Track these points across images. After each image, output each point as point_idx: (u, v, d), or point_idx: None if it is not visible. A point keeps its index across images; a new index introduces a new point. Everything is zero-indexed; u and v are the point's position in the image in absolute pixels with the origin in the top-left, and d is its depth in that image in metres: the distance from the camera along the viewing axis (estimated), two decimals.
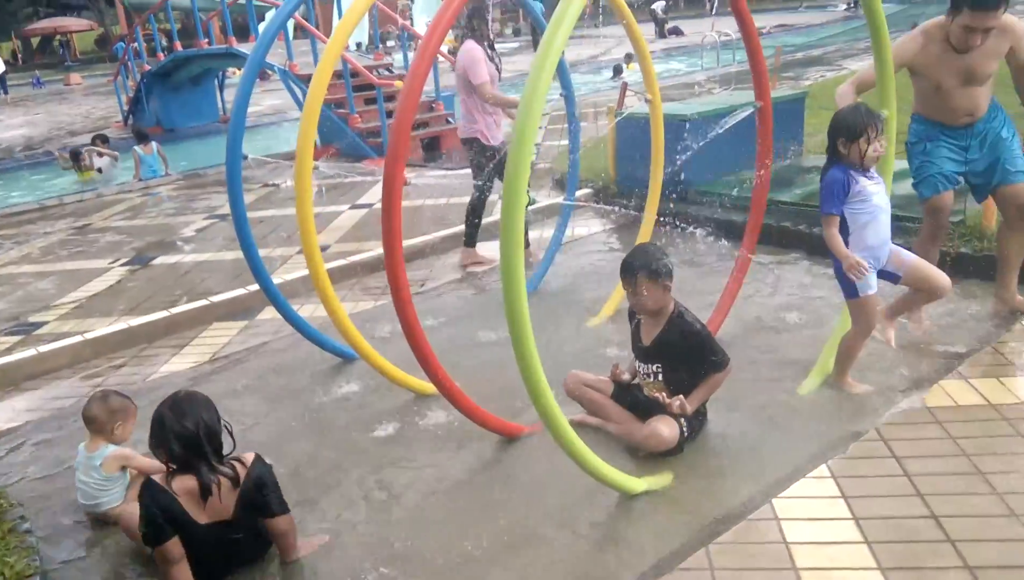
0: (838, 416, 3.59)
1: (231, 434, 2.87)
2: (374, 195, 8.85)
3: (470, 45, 5.56)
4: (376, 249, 6.63)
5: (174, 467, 2.70)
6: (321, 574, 2.92)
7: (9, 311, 6.02)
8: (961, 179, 4.24)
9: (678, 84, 15.57)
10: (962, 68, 3.96)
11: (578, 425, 3.62)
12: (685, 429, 3.41)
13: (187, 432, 2.66)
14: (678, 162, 5.41)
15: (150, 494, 2.67)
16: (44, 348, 5.07)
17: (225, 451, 2.80)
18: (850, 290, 3.64)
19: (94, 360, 5.12)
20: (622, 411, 3.64)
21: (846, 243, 3.56)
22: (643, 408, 3.54)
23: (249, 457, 2.83)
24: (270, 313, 5.55)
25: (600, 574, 2.78)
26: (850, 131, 3.47)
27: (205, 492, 2.66)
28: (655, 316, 3.50)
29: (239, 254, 6.84)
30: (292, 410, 4.16)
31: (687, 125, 6.39)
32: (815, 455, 3.28)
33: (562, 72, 5.35)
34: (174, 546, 2.67)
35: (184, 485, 2.68)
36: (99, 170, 11.97)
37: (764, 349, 4.34)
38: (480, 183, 5.83)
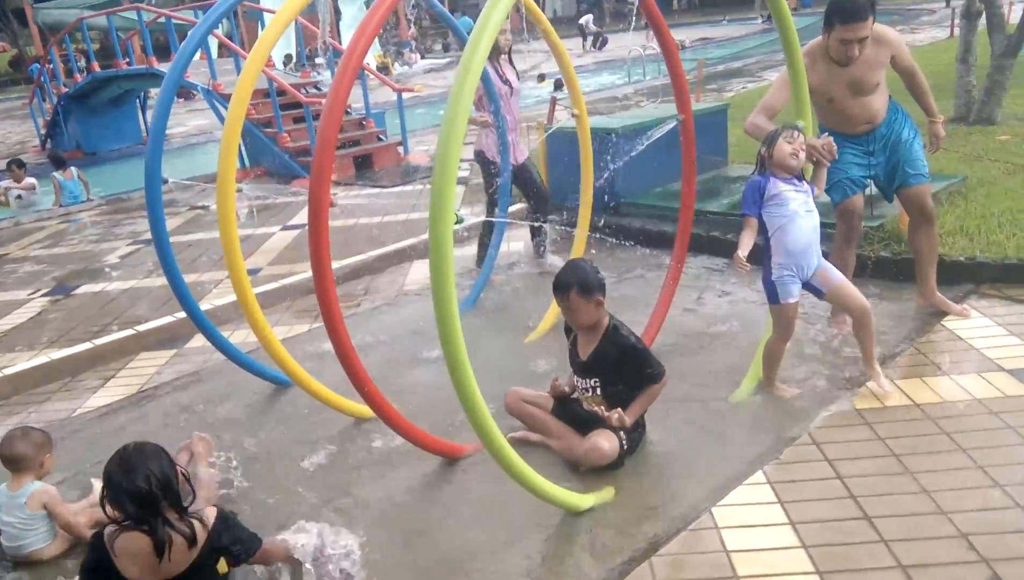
0: (771, 422, 3.66)
1: (188, 482, 2.72)
2: (305, 216, 8.69)
3: None
4: (309, 272, 6.52)
5: (126, 523, 2.52)
6: None
7: None
8: (869, 182, 4.42)
9: (606, 97, 15.81)
10: (847, 80, 4.17)
11: (519, 442, 3.62)
12: (625, 442, 3.43)
13: (139, 490, 2.46)
14: (605, 176, 5.49)
15: (90, 546, 2.62)
16: None
17: (187, 502, 2.63)
18: (772, 296, 3.77)
19: (14, 397, 4.89)
20: (562, 426, 3.64)
21: (767, 247, 3.73)
22: (583, 422, 3.55)
23: (211, 514, 2.64)
24: (201, 340, 5.39)
25: None
26: (768, 138, 3.72)
27: (159, 550, 2.46)
28: (590, 331, 3.53)
29: (164, 280, 6.69)
30: (227, 441, 4.03)
31: (613, 138, 6.48)
32: (751, 461, 3.34)
33: (487, 87, 5.36)
34: None
35: (130, 542, 2.50)
36: (19, 197, 11.47)
37: (698, 358, 4.41)
38: (488, 199, 5.86)
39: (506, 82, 5.62)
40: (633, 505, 3.19)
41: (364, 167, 11.29)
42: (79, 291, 6.79)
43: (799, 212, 3.67)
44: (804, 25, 4.72)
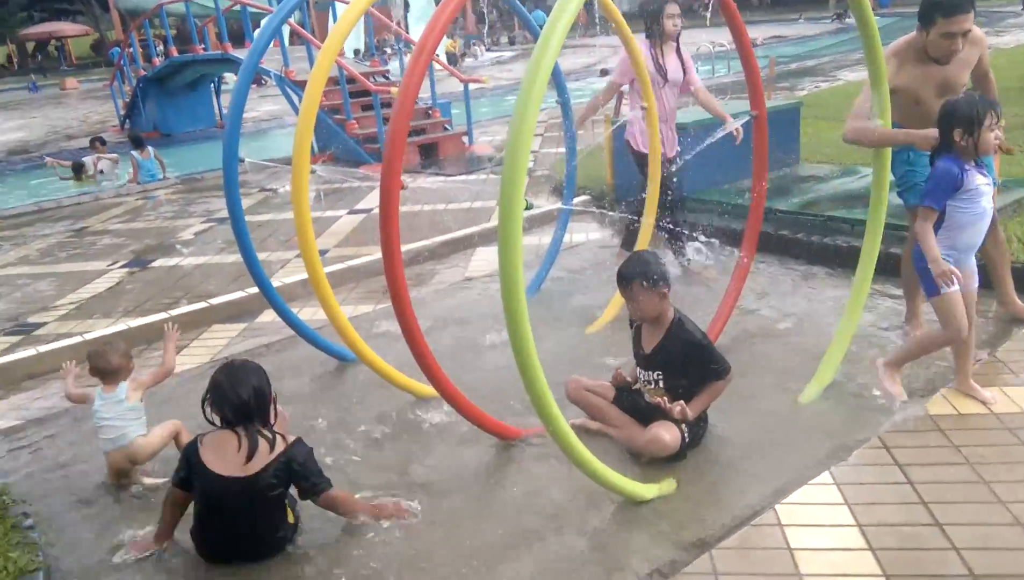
0: (840, 424, 3.59)
1: (275, 404, 3.03)
2: (372, 201, 8.85)
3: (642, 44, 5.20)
4: (374, 253, 6.63)
5: (217, 425, 2.92)
6: (322, 570, 2.91)
7: (8, 312, 5.99)
8: None
9: None
10: (940, 81, 4.01)
11: (578, 429, 3.61)
12: (687, 435, 3.41)
13: (240, 399, 2.86)
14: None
15: (188, 444, 2.98)
16: (44, 348, 5.06)
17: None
18: (931, 288, 3.45)
19: None
20: (623, 416, 3.63)
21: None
22: (644, 414, 3.53)
23: (292, 438, 2.99)
24: (269, 316, 5.53)
25: (599, 577, 2.76)
26: (969, 120, 3.29)
27: (250, 451, 2.82)
28: (654, 324, 3.51)
29: (238, 257, 6.86)
30: (292, 413, 4.12)
31: (687, 132, 6.40)
32: (818, 462, 3.28)
33: (558, 80, 5.36)
34: (177, 494, 2.97)
35: (219, 439, 2.89)
36: (101, 172, 11.96)
37: (764, 357, 4.34)
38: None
39: (661, 71, 5.26)
40: (694, 498, 3.17)
41: (429, 155, 11.41)
42: (155, 264, 7.04)
43: (988, 209, 3.43)
44: (882, 25, 4.57)
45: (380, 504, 3.17)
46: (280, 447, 2.89)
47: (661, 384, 3.52)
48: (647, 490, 3.13)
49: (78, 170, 12.17)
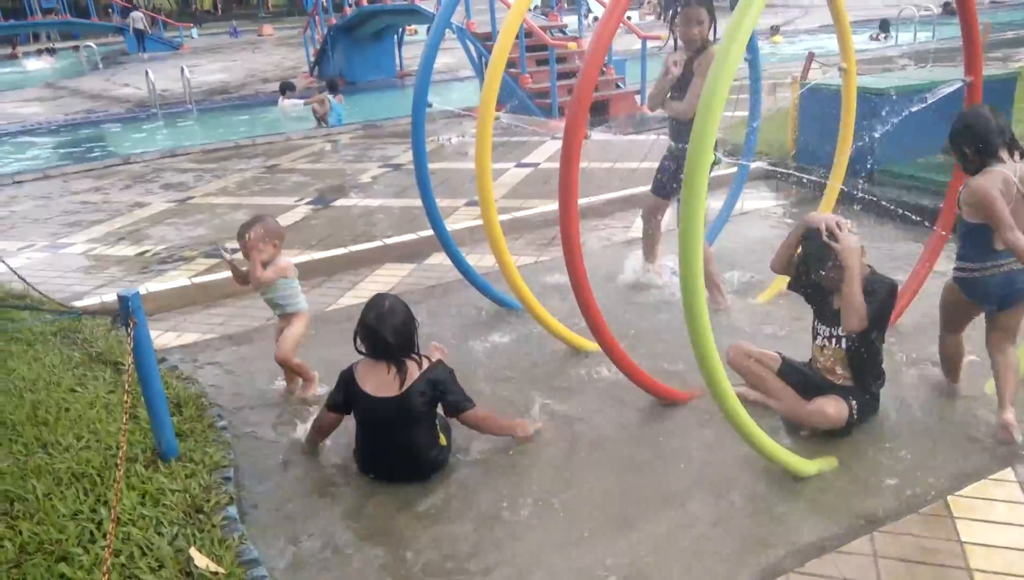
0: None
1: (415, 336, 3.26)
2: (539, 155, 8.95)
3: None
4: (539, 208, 6.74)
5: (367, 354, 3.21)
6: (474, 498, 3.07)
7: (208, 236, 6.62)
8: None
9: (866, 59, 14.57)
10: None
11: (739, 398, 3.55)
12: (855, 411, 3.27)
13: (386, 340, 3.12)
14: (866, 139, 5.09)
15: (344, 371, 3.26)
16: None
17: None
18: None
19: None
20: (786, 387, 3.53)
21: None
22: (810, 389, 3.42)
23: (433, 349, 3.34)
24: (437, 259, 5.79)
25: (753, 544, 2.74)
26: None
27: (402, 376, 3.12)
28: None
29: (408, 202, 7.21)
30: (457, 350, 4.32)
31: (888, 99, 5.99)
32: (1001, 457, 3.06)
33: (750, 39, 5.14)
34: (329, 417, 3.29)
35: (371, 367, 3.18)
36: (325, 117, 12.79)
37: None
38: None
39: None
40: (859, 478, 3.05)
41: (599, 113, 11.33)
42: (336, 204, 7.50)
43: None
44: None
45: (516, 422, 3.44)
46: (425, 366, 3.19)
47: (843, 344, 3.36)
48: (808, 465, 3.06)
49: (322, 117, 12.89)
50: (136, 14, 28.50)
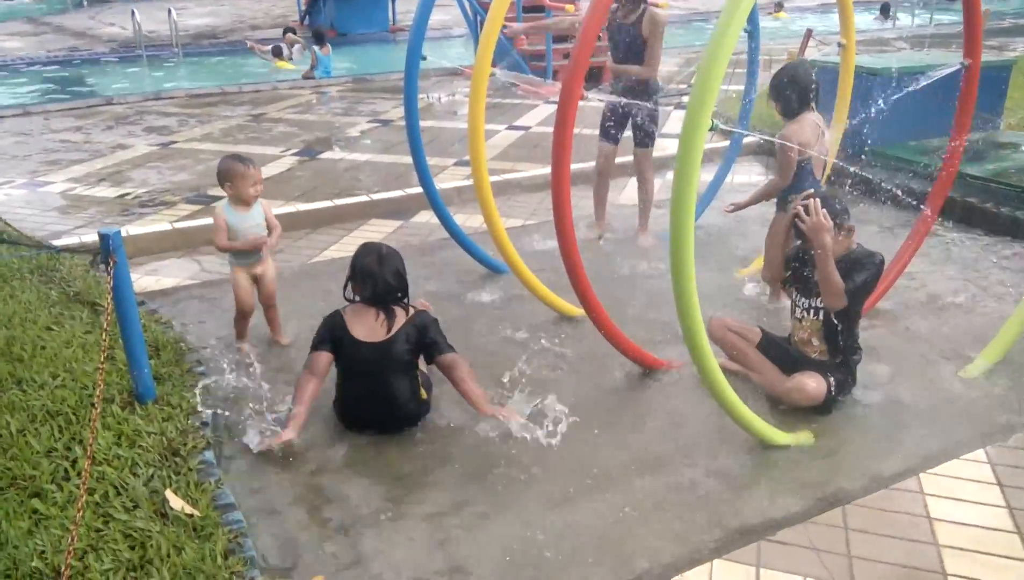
0: (1006, 403, 3.37)
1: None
2: (531, 119, 8.87)
3: None
4: (529, 171, 6.69)
5: (356, 300, 3.24)
6: (455, 457, 3.07)
7: (191, 182, 6.51)
8: None
9: (863, 40, 14.50)
10: None
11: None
12: (833, 388, 3.30)
13: (383, 282, 3.15)
14: (859, 119, 5.07)
15: (328, 316, 3.26)
16: None
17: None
18: None
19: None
20: (765, 361, 3.55)
21: None
22: (788, 363, 3.44)
23: (421, 305, 3.32)
24: (423, 217, 5.74)
25: (725, 512, 2.77)
26: None
27: (391, 321, 3.15)
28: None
29: (397, 158, 7.12)
30: (442, 309, 4.29)
31: (887, 79, 5.96)
32: (973, 438, 3.11)
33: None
34: (322, 359, 3.17)
35: (362, 312, 3.19)
36: (290, 58, 12.62)
37: (932, 326, 4.10)
38: None
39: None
40: (833, 453, 3.09)
41: (593, 80, 11.20)
42: (322, 156, 7.40)
43: None
44: None
45: (498, 409, 3.17)
46: (411, 313, 3.23)
47: (820, 315, 3.38)
48: (783, 437, 3.09)
49: (278, 54, 12.84)
50: None
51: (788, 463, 3.02)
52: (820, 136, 3.89)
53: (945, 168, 4.10)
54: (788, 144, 3.81)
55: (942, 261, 4.89)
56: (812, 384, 3.26)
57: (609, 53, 5.18)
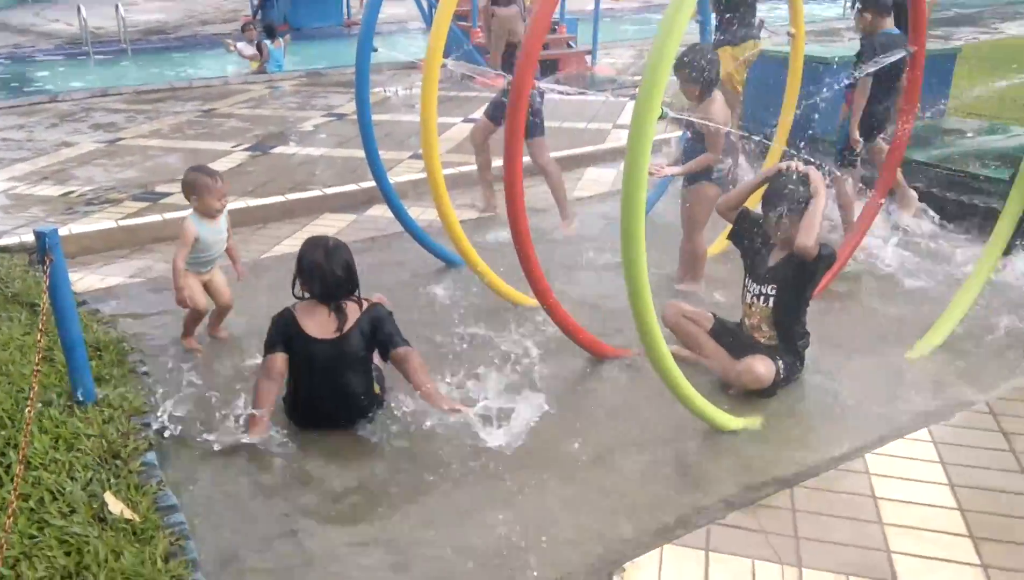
0: (948, 384, 3.45)
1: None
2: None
3: None
4: None
5: (306, 297, 3.14)
6: (406, 453, 3.04)
7: (139, 179, 6.36)
8: None
9: (813, 30, 14.72)
10: None
11: (672, 356, 3.60)
12: (782, 371, 3.34)
13: (333, 276, 3.07)
14: (805, 107, 5.12)
15: (278, 315, 3.16)
16: (169, 216, 5.35)
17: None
18: None
19: None
20: (718, 347, 3.58)
21: None
22: (739, 348, 3.47)
23: (375, 298, 3.27)
24: (377, 211, 5.68)
25: (674, 498, 2.79)
26: None
27: (341, 318, 3.07)
28: (787, 244, 3.38)
29: (352, 152, 7.02)
30: (397, 303, 4.23)
31: (831, 69, 6.03)
32: (917, 418, 3.17)
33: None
34: (277, 361, 3.09)
35: (313, 309, 3.11)
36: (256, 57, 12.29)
37: (877, 307, 4.18)
38: None
39: None
40: (781, 435, 3.13)
41: (549, 72, 11.20)
42: (275, 151, 7.28)
43: None
44: None
45: (453, 405, 3.13)
46: (365, 306, 3.17)
47: (771, 302, 3.41)
48: (731, 421, 3.12)
49: (260, 50, 12.45)
50: None
51: (738, 447, 3.05)
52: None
53: (892, 152, 4.17)
54: (715, 124, 3.86)
55: (892, 244, 4.97)
56: (761, 368, 3.29)
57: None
